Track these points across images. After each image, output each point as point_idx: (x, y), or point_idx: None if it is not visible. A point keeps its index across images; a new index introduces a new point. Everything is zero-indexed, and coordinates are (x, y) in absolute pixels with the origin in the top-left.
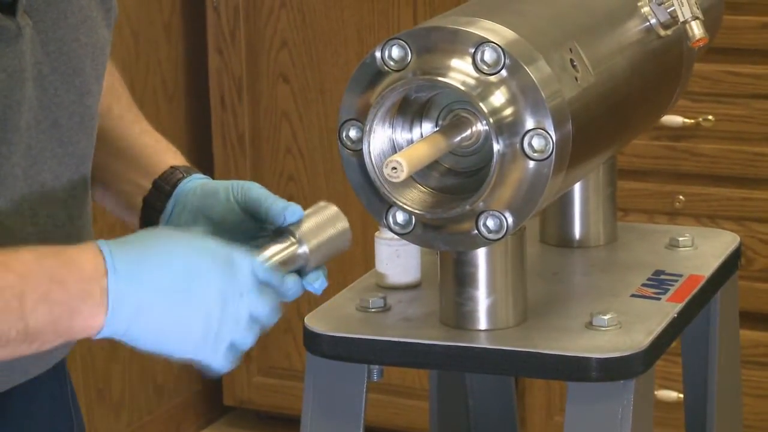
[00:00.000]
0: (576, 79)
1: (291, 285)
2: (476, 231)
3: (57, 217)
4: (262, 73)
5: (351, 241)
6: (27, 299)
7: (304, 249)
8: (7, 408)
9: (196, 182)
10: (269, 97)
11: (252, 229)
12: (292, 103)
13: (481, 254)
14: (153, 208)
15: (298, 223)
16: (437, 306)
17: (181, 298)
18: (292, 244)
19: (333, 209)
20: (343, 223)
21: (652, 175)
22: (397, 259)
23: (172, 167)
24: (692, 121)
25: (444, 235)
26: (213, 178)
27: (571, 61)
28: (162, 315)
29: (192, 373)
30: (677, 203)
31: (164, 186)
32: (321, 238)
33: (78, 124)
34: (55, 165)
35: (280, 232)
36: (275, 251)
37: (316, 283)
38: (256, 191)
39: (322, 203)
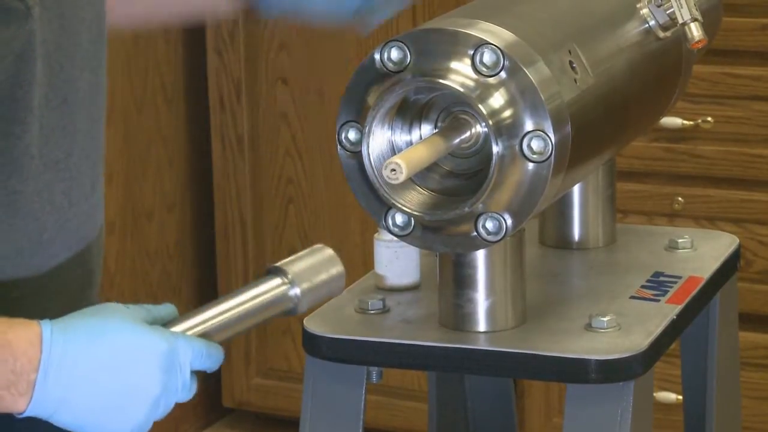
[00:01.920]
0: (575, 80)
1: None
2: (475, 233)
3: (71, 196)
4: (261, 74)
5: (343, 288)
6: None
7: (295, 291)
8: None
9: None
10: (268, 99)
11: None
12: (291, 104)
13: (480, 256)
14: None
15: (292, 263)
16: (436, 308)
17: (112, 408)
18: (284, 284)
19: (329, 252)
20: (338, 268)
21: (651, 177)
22: (396, 260)
23: None
24: (691, 122)
25: (443, 237)
26: (212, 180)
27: (570, 62)
28: (89, 416)
29: None
30: (676, 205)
31: None
32: (314, 282)
33: (86, 99)
34: (66, 142)
35: (273, 271)
36: (253, 295)
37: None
38: None
39: (318, 246)
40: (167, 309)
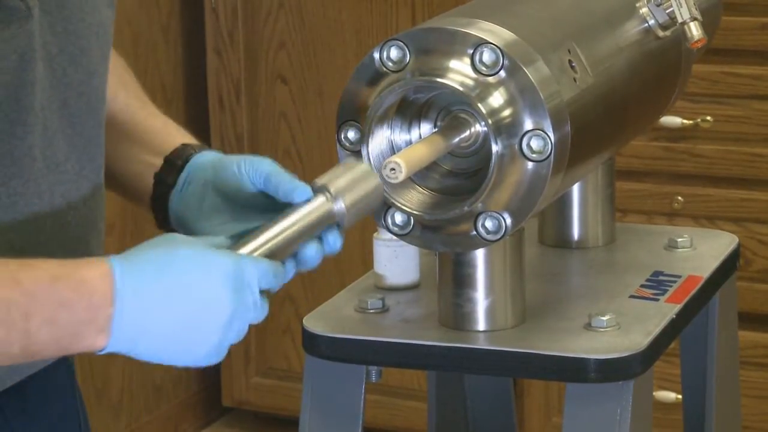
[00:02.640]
0: (574, 80)
1: (311, 255)
2: (475, 232)
3: (71, 198)
4: (261, 74)
5: (382, 197)
6: (33, 319)
7: (340, 206)
8: (24, 395)
9: (209, 157)
10: (267, 99)
11: (266, 203)
12: (290, 104)
13: (479, 255)
14: (164, 183)
15: (331, 179)
16: (436, 307)
17: (187, 330)
18: (329, 201)
19: (364, 166)
20: (375, 180)
21: (651, 176)
22: (396, 260)
23: (183, 144)
24: (691, 121)
25: (442, 236)
26: None
27: (570, 62)
28: (166, 342)
29: (191, 374)
30: (676, 204)
31: (176, 161)
32: (356, 195)
33: (86, 104)
34: (65, 145)
35: (317, 189)
36: (303, 214)
37: (337, 243)
38: (267, 167)
39: (350, 160)
40: (222, 239)
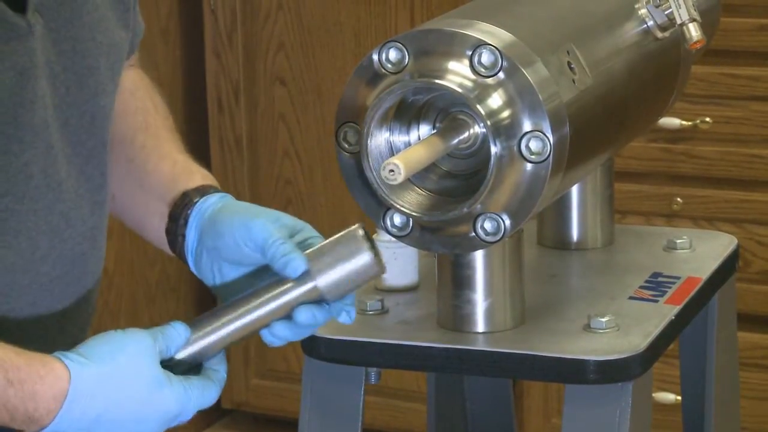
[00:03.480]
0: (573, 81)
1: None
2: (474, 233)
3: (69, 216)
4: (259, 76)
5: (379, 270)
6: None
7: (313, 285)
8: None
9: (206, 217)
10: (266, 100)
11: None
12: (289, 105)
13: (478, 257)
14: (176, 235)
15: (317, 252)
16: (435, 308)
17: None
18: (306, 282)
19: (358, 237)
20: (364, 256)
21: (650, 178)
22: (395, 261)
23: (183, 193)
24: (690, 123)
25: (441, 238)
26: None
27: (569, 63)
28: None
29: None
30: (675, 205)
31: (178, 218)
32: (338, 274)
33: (89, 123)
34: (66, 164)
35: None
36: (280, 298)
37: (341, 316)
38: (260, 234)
39: (352, 228)
40: (178, 332)
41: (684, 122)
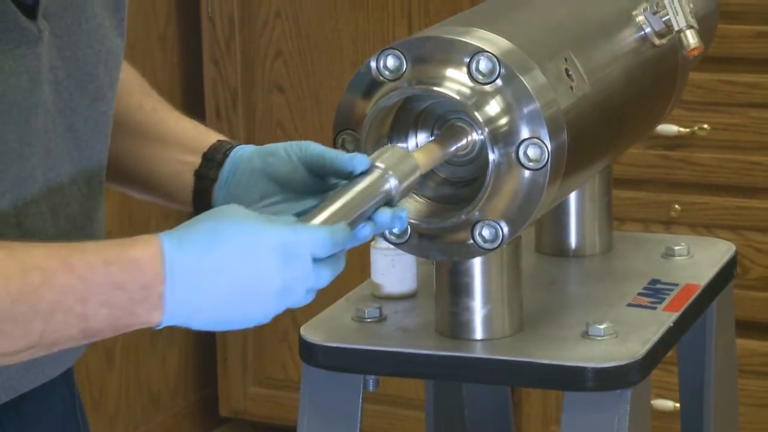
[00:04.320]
0: (571, 88)
1: (383, 220)
2: (472, 241)
3: (76, 220)
4: (258, 83)
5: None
6: (89, 303)
7: (394, 182)
8: (22, 412)
9: (249, 148)
10: (264, 107)
11: (317, 186)
12: (287, 113)
13: (476, 264)
14: (206, 178)
15: (380, 158)
16: (433, 316)
17: (238, 303)
18: (381, 176)
19: (401, 149)
20: (414, 161)
21: (648, 185)
22: (393, 269)
23: (218, 141)
24: (687, 130)
25: (440, 245)
26: None
27: (566, 70)
28: (219, 314)
29: (188, 384)
30: (673, 212)
31: (215, 156)
32: (404, 169)
33: (93, 129)
34: (72, 169)
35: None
36: (365, 186)
37: (404, 213)
38: (316, 147)
39: (387, 146)
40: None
41: (682, 129)
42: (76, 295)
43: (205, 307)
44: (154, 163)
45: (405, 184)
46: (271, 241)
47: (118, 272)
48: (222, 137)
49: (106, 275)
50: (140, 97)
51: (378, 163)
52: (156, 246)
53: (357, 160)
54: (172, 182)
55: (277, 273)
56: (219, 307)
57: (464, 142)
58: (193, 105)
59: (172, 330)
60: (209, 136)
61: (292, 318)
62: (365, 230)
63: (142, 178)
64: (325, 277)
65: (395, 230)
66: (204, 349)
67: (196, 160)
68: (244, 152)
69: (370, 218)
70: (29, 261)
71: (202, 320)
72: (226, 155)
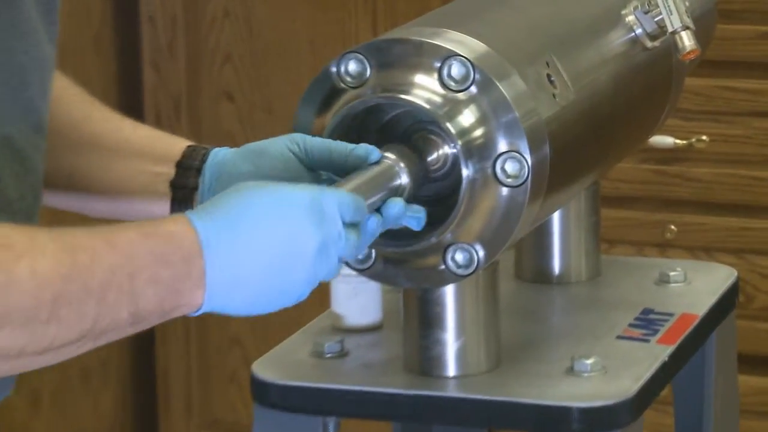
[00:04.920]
0: (554, 96)
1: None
2: (443, 266)
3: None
4: (204, 90)
5: None
6: (136, 280)
7: (405, 177)
8: None
9: (226, 150)
10: (212, 117)
11: (310, 181)
12: (237, 123)
13: (449, 292)
14: (184, 188)
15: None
16: (400, 350)
17: (278, 268)
18: (391, 168)
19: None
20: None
21: (640, 203)
22: (356, 297)
23: (189, 146)
24: (684, 141)
25: (407, 271)
26: None
27: (549, 76)
28: (260, 283)
29: (125, 429)
30: (668, 233)
31: (192, 162)
32: (414, 170)
33: (28, 140)
34: (17, 183)
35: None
36: (378, 171)
37: (421, 213)
38: (314, 139)
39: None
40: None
41: (678, 141)
42: (124, 271)
43: (245, 276)
44: (120, 178)
45: (412, 185)
46: (302, 200)
47: (158, 245)
48: (190, 142)
49: (148, 249)
50: (83, 106)
51: (388, 154)
52: (185, 221)
53: (369, 150)
54: (143, 195)
55: (313, 230)
56: (260, 273)
57: (435, 156)
58: (131, 115)
59: (106, 367)
60: (176, 143)
61: (242, 354)
62: (372, 222)
63: (106, 194)
64: (352, 241)
65: (413, 226)
66: (143, 388)
67: (169, 170)
68: (224, 156)
69: (378, 210)
70: (75, 242)
71: (244, 296)
72: (203, 161)
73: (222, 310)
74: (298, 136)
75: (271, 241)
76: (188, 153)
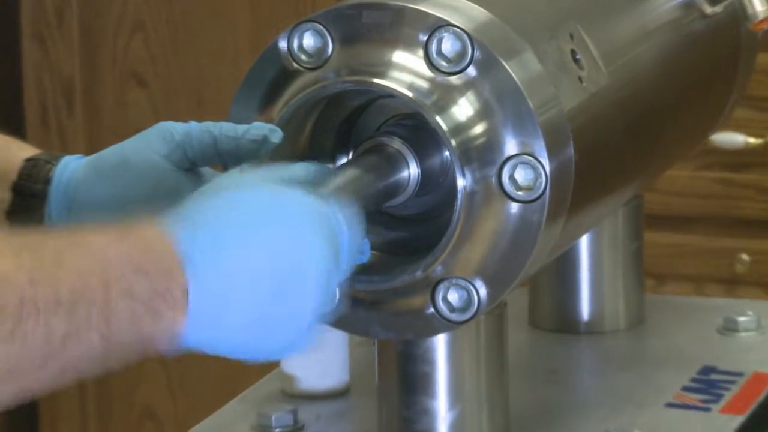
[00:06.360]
0: (580, 79)
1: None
2: (433, 309)
3: None
4: (105, 72)
5: None
6: (112, 290)
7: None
8: None
9: (79, 164)
10: (116, 108)
11: (195, 185)
12: (150, 115)
13: (440, 345)
14: (25, 220)
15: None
16: (373, 424)
17: (278, 291)
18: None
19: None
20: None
21: (700, 224)
22: (314, 354)
23: (27, 160)
24: (759, 140)
25: (384, 316)
26: None
27: (573, 52)
28: (256, 310)
29: None
30: (738, 265)
31: (32, 186)
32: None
33: None
34: None
35: None
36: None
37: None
38: (193, 125)
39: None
40: (301, 167)
41: (751, 140)
42: (98, 278)
43: (238, 299)
44: None
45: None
46: (303, 201)
47: (136, 252)
48: (32, 152)
49: (122, 253)
50: None
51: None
52: (157, 226)
53: (268, 130)
54: None
55: (322, 251)
56: (257, 296)
57: (418, 162)
58: (6, 104)
59: None
60: (12, 154)
61: (156, 430)
62: (366, 245)
63: None
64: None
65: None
66: None
67: (3, 196)
68: (74, 173)
69: None
70: (32, 241)
71: (236, 326)
72: (47, 182)
73: (207, 345)
74: (168, 126)
75: (269, 256)
76: (27, 171)
